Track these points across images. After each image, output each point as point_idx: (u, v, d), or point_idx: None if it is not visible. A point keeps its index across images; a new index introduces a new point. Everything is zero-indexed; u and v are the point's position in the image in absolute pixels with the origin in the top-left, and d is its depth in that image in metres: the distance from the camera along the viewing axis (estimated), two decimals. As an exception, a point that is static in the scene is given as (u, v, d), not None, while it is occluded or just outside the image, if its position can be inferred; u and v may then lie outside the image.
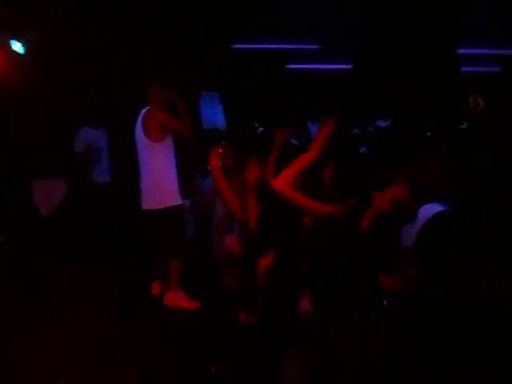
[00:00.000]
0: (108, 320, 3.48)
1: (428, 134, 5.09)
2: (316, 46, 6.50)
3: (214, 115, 7.60)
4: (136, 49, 5.62)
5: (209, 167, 2.90)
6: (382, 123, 6.46)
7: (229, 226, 3.53)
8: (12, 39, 4.41)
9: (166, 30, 5.57)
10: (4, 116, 5.12)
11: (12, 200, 5.16)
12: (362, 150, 5.61)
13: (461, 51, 6.49)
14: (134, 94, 4.14)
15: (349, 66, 7.49)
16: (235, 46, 6.60)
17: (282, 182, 1.96)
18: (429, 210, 2.15)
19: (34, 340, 3.19)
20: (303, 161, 2.08)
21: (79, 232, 5.06)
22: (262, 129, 6.91)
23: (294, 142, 5.61)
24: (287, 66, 7.69)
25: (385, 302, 1.74)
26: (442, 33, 5.89)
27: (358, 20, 5.55)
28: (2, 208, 5.07)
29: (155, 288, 4.00)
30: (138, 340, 3.26)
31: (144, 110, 3.80)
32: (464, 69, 7.00)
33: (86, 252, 4.74)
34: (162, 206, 3.71)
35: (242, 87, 7.49)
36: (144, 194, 3.82)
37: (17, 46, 4.45)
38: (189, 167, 5.15)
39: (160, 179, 3.71)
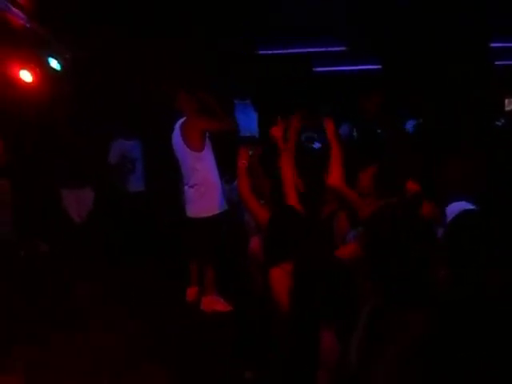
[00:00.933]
0: (142, 324, 3.56)
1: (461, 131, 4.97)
2: (343, 48, 6.47)
3: (249, 122, 7.68)
4: (167, 61, 5.77)
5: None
6: (411, 123, 6.34)
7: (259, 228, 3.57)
8: (49, 56, 4.63)
9: (194, 42, 5.70)
10: (40, 129, 5.38)
11: (49, 210, 5.39)
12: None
13: (493, 45, 6.29)
14: (166, 104, 4.26)
15: (377, 67, 7.42)
16: (261, 52, 6.66)
17: (338, 179, 2.09)
18: (456, 207, 2.13)
19: (68, 341, 3.29)
20: (340, 156, 2.17)
21: (112, 239, 5.23)
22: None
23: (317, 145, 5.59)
24: (314, 69, 7.70)
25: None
26: (472, 28, 5.75)
27: (383, 20, 5.49)
28: (43, 218, 5.31)
29: (190, 294, 4.07)
30: (170, 343, 3.33)
31: (181, 121, 3.87)
32: (498, 62, 6.80)
33: (119, 259, 4.90)
34: (210, 214, 3.79)
35: (271, 92, 7.53)
36: (190, 202, 3.89)
37: (54, 63, 4.68)
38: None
39: (207, 188, 3.79)
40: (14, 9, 4.04)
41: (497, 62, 6.75)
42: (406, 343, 1.53)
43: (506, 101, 6.48)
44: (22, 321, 3.62)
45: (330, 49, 6.65)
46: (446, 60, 6.52)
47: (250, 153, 3.36)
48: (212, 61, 6.09)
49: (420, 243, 1.69)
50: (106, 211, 5.53)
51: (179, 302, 4.02)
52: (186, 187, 3.96)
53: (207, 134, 3.82)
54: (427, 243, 1.76)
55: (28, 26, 4.20)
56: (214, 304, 3.85)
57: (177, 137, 3.85)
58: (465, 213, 1.85)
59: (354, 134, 7.00)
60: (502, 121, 6.40)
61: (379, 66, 7.44)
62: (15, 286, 4.30)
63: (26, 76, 4.59)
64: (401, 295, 1.58)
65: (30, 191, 5.21)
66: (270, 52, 6.65)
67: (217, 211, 3.79)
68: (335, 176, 2.21)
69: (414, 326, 1.57)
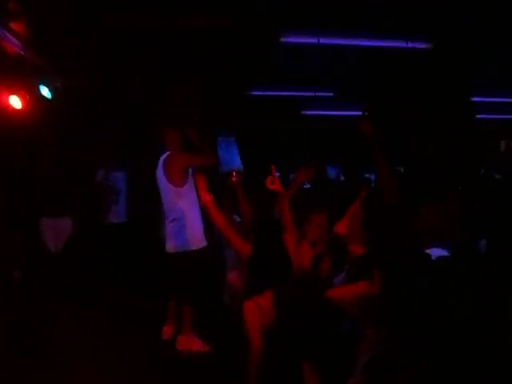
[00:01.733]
0: (116, 365, 3.44)
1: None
2: (330, 94, 6.69)
3: (231, 159, 7.73)
4: (156, 96, 5.88)
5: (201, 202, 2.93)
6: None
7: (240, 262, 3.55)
8: (40, 84, 4.65)
9: (183, 78, 5.83)
10: (26, 155, 5.34)
11: (25, 237, 5.27)
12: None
13: (474, 99, 6.58)
14: (154, 137, 4.29)
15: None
16: (251, 93, 6.84)
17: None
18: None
19: (36, 380, 3.15)
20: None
21: (89, 270, 5.11)
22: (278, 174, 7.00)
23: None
24: (302, 112, 7.91)
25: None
26: (455, 82, 6.02)
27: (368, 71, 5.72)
28: (17, 246, 5.17)
29: (166, 332, 3.95)
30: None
31: (164, 156, 3.90)
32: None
33: (94, 292, 4.76)
34: (187, 250, 3.74)
35: (258, 132, 7.68)
36: (169, 237, 3.85)
37: (45, 91, 4.69)
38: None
39: (185, 223, 3.75)
40: (9, 36, 4.08)
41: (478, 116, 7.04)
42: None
43: (502, 142, 6.71)
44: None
45: (317, 94, 6.86)
46: (429, 111, 6.77)
47: (233, 178, 3.68)
48: (201, 97, 6.22)
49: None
50: (84, 241, 5.41)
51: (156, 339, 3.88)
52: (166, 222, 3.93)
53: (190, 171, 3.84)
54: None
55: (23, 53, 4.24)
56: (191, 344, 3.73)
57: (159, 171, 3.86)
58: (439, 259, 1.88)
59: (341, 177, 7.14)
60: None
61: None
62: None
63: (15, 102, 4.58)
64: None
65: (9, 217, 5.10)
66: (261, 93, 6.81)
67: (193, 247, 3.74)
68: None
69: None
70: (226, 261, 4.07)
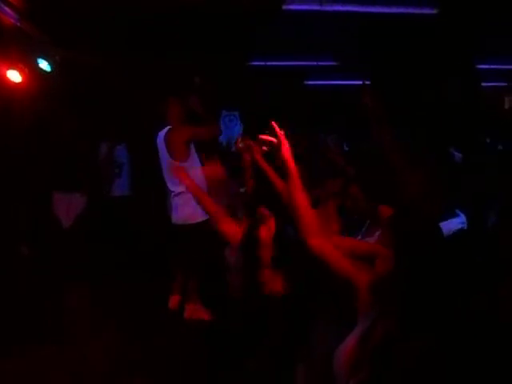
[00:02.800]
0: (124, 333, 3.52)
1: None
2: (333, 63, 6.56)
3: (232, 136, 7.74)
4: (156, 68, 5.79)
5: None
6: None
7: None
8: (39, 57, 4.58)
9: (184, 52, 5.73)
10: (28, 131, 5.31)
11: (36, 212, 5.30)
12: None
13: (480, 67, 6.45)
14: (154, 109, 4.25)
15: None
16: (252, 64, 6.72)
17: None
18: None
19: (46, 354, 3.23)
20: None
21: (97, 245, 5.16)
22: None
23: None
24: (305, 82, 7.78)
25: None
26: (460, 49, 5.89)
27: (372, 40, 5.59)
28: (27, 220, 5.21)
29: (173, 302, 4.02)
30: (154, 353, 3.29)
31: (164, 131, 3.86)
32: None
33: (102, 265, 4.82)
34: (194, 222, 3.76)
35: (261, 104, 7.59)
36: (175, 209, 3.87)
37: (44, 65, 4.62)
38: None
39: (191, 196, 3.75)
40: (4, 7, 3.99)
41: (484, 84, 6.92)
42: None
43: (506, 99, 6.59)
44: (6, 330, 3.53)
45: (321, 63, 6.73)
46: (432, 79, 6.66)
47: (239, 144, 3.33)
48: (204, 70, 6.12)
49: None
50: (95, 216, 5.45)
51: (164, 310, 3.95)
52: (171, 195, 3.93)
53: (192, 143, 3.82)
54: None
55: (19, 25, 4.15)
56: (197, 312, 3.81)
57: (161, 147, 3.83)
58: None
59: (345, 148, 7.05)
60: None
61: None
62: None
63: (14, 76, 4.51)
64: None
65: (19, 193, 5.11)
66: (262, 64, 6.68)
67: (201, 218, 3.76)
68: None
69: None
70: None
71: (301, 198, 1.74)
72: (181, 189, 3.76)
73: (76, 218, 5.34)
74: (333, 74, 7.20)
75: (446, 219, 2.63)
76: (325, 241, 1.68)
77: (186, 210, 3.77)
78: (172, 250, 4.07)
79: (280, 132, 1.82)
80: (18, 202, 5.19)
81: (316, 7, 4.20)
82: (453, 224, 2.64)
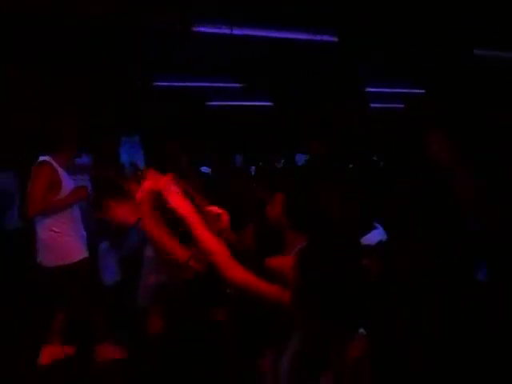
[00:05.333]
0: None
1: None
2: (237, 85, 6.66)
3: (134, 159, 7.44)
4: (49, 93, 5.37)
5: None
6: (301, 158, 6.70)
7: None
8: None
9: (81, 74, 5.40)
10: None
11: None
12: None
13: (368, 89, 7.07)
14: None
15: (269, 103, 7.78)
16: (155, 84, 6.53)
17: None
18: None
19: None
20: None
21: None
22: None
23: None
24: (207, 103, 7.78)
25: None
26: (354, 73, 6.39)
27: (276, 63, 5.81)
28: None
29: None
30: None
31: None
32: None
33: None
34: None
35: (162, 126, 7.40)
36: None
37: None
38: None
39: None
40: None
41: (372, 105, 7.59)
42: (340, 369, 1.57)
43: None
44: None
45: (224, 85, 6.79)
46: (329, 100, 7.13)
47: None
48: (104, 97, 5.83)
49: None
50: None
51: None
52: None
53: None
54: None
55: None
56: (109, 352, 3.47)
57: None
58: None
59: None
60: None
61: (269, 103, 7.82)
62: None
63: None
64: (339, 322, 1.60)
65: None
66: (165, 84, 6.53)
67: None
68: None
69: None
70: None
71: (207, 239, 1.78)
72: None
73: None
74: (235, 94, 7.31)
75: (366, 232, 2.74)
76: (242, 270, 1.71)
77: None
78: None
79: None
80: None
81: (226, 31, 4.22)
82: (373, 236, 2.76)
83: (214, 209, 2.35)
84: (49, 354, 3.38)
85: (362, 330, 1.77)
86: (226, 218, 2.36)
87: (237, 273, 1.71)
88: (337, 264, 1.66)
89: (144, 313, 3.37)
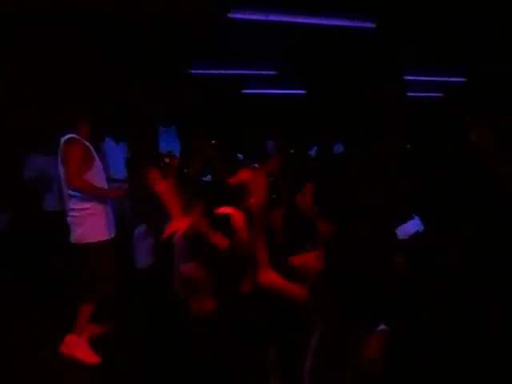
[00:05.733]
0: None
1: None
2: (272, 72, 6.62)
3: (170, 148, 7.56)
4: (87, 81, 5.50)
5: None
6: (339, 148, 6.62)
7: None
8: None
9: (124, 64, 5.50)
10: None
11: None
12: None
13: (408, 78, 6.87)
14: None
15: (304, 91, 7.71)
16: (192, 72, 6.58)
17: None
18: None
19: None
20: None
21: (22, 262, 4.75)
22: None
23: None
24: (243, 91, 7.79)
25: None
26: (389, 61, 6.22)
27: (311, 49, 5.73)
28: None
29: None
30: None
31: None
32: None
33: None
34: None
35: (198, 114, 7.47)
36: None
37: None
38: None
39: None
40: None
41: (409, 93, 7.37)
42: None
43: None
44: None
45: (260, 72, 6.77)
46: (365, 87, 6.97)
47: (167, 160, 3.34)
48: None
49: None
50: (22, 232, 4.96)
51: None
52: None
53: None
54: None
55: None
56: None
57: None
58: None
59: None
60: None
61: (304, 91, 7.74)
62: None
63: None
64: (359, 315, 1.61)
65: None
66: (202, 72, 6.56)
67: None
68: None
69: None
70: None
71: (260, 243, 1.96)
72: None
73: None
74: (271, 82, 7.27)
75: (403, 222, 2.69)
76: (273, 273, 1.89)
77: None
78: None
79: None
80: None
81: (263, 17, 4.19)
82: (410, 227, 2.70)
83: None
84: (71, 343, 3.27)
85: (383, 327, 1.74)
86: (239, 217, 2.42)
87: (267, 275, 1.89)
88: (362, 254, 1.65)
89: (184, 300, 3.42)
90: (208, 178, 4.10)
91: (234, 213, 2.42)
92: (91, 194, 3.27)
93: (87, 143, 3.29)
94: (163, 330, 3.34)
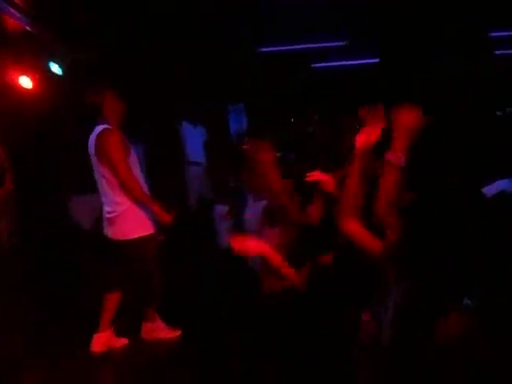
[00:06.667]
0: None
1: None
2: (342, 43, 6.43)
3: (240, 129, 7.71)
4: (164, 65, 5.70)
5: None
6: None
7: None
8: (50, 61, 4.49)
9: (188, 43, 5.62)
10: (42, 135, 5.23)
11: (56, 217, 5.19)
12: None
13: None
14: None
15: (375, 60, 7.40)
16: (259, 50, 6.58)
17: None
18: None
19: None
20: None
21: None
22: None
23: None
24: (313, 65, 7.65)
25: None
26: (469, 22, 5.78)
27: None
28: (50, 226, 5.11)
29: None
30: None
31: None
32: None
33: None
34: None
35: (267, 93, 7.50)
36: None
37: (55, 68, 4.54)
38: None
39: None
40: (12, 10, 3.89)
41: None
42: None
43: None
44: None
45: (327, 44, 6.60)
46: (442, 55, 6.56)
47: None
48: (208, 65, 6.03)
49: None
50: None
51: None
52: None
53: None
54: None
55: (28, 28, 4.06)
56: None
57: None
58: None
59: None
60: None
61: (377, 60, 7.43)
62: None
63: (25, 82, 4.44)
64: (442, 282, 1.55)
65: (35, 199, 5.02)
66: (269, 49, 6.55)
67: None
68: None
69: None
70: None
71: (355, 185, 1.84)
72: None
73: (97, 220, 5.26)
74: (341, 54, 7.06)
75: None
76: (357, 223, 1.81)
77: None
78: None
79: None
80: (38, 207, 5.10)
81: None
82: (496, 186, 2.54)
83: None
84: (101, 341, 3.22)
85: (467, 301, 1.62)
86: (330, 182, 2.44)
87: (349, 224, 1.81)
88: (449, 216, 1.60)
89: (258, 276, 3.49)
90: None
91: (325, 178, 2.47)
92: (138, 199, 3.09)
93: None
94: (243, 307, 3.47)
